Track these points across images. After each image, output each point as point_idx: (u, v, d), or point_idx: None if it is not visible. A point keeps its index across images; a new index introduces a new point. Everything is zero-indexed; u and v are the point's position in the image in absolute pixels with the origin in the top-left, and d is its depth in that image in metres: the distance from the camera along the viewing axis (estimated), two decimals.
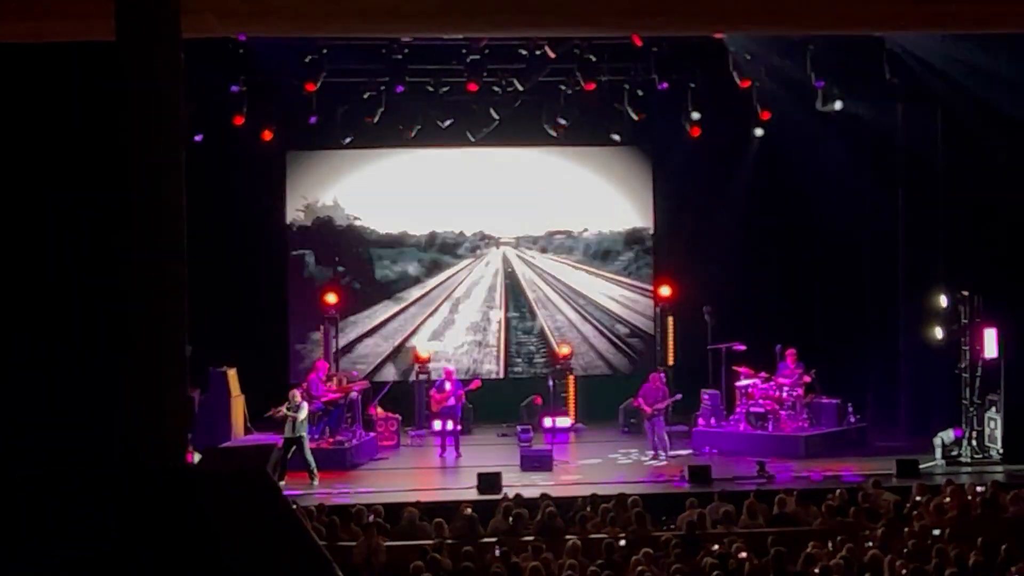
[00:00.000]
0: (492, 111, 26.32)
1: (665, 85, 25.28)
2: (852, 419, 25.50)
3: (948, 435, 24.07)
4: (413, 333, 28.69)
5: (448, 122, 26.21)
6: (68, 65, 20.62)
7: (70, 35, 16.88)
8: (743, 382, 25.49)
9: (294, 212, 28.37)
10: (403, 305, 28.81)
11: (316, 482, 22.63)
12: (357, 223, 28.61)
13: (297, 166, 28.29)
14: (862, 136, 26.28)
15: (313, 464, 22.83)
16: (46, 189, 21.83)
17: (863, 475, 21.58)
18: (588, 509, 18.62)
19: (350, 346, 28.25)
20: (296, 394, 23.31)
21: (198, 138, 24.44)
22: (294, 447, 22.77)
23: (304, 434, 22.91)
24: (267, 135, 25.72)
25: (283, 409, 23.11)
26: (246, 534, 5.49)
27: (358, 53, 24.24)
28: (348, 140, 26.76)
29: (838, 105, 24.61)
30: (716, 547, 16.11)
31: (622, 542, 16.65)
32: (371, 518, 18.06)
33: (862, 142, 26.45)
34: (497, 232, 29.13)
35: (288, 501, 5.76)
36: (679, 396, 25.10)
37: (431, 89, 25.83)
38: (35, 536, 17.36)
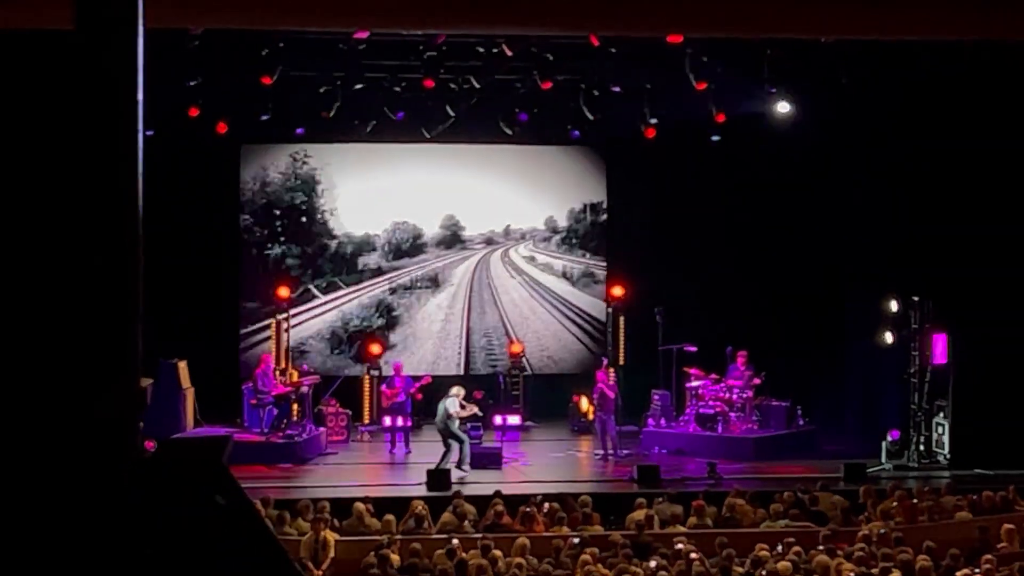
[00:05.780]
0: (448, 108, 26.29)
1: (617, 88, 25.36)
2: (801, 422, 25.59)
3: (888, 439, 24.16)
4: (369, 327, 28.68)
5: (400, 115, 26.16)
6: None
7: (25, 23, 16.68)
8: (693, 383, 25.54)
9: (249, 205, 28.28)
10: (360, 299, 28.78)
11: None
12: (313, 217, 28.54)
13: (252, 159, 28.20)
14: (816, 139, 26.35)
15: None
16: None
17: (811, 478, 21.64)
18: (541, 507, 18.65)
19: (303, 339, 28.17)
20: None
21: (149, 132, 24.25)
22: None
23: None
24: (221, 128, 25.56)
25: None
26: (204, 526, 5.49)
27: (315, 48, 24.13)
28: (300, 131, 26.80)
29: (784, 107, 24.66)
30: (679, 546, 16.16)
31: (571, 540, 16.70)
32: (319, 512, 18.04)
33: (816, 145, 26.52)
34: (453, 227, 29.11)
35: (246, 494, 5.77)
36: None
37: (387, 85, 25.77)
38: None
